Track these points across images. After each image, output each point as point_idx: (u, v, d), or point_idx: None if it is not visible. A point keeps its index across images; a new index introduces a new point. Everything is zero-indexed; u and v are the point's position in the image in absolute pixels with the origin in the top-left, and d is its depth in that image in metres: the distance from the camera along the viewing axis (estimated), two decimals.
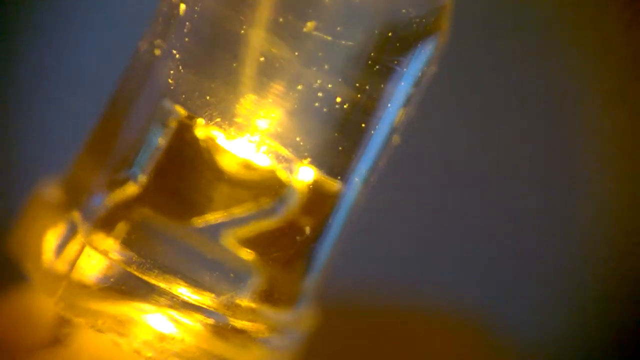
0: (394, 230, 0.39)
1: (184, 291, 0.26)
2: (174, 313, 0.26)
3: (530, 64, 0.39)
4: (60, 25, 0.34)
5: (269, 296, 0.28)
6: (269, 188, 0.27)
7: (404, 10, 0.26)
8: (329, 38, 0.26)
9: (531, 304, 0.39)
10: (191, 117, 0.26)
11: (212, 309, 0.26)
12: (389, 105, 0.28)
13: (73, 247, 0.26)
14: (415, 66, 0.27)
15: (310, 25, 0.26)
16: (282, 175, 0.27)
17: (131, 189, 0.26)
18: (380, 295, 0.38)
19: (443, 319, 0.39)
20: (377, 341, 0.38)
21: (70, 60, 0.33)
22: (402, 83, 0.28)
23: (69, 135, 0.28)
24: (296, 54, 0.26)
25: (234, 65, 0.26)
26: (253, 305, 0.27)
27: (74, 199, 0.27)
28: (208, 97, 0.26)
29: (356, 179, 0.28)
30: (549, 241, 0.39)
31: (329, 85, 0.26)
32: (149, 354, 0.25)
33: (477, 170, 0.39)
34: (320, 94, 0.26)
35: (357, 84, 0.26)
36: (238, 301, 0.27)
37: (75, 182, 0.28)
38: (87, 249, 0.26)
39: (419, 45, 0.27)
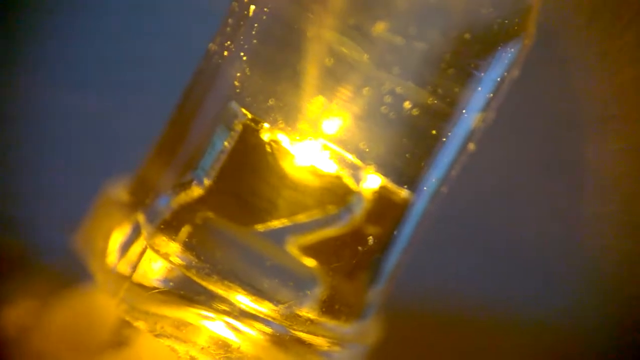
0: (461, 241, 0.37)
1: (243, 299, 0.25)
2: (232, 321, 0.25)
3: (532, 64, 0.37)
4: (134, 26, 0.34)
5: (330, 307, 0.27)
6: (335, 195, 0.26)
7: (484, 11, 0.25)
8: (401, 40, 0.25)
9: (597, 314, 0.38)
10: (257, 121, 0.26)
11: (271, 319, 0.26)
12: (465, 111, 0.26)
13: (136, 249, 0.26)
14: (496, 70, 0.26)
15: (380, 26, 0.25)
16: (349, 182, 0.26)
17: (195, 192, 0.26)
18: (447, 307, 0.37)
19: (509, 330, 0.37)
20: (444, 354, 0.37)
21: (142, 61, 0.34)
22: (480, 88, 0.26)
23: (140, 136, 0.28)
24: (366, 56, 0.25)
25: (302, 67, 0.25)
26: (314, 316, 0.26)
27: (140, 200, 0.27)
28: (274, 101, 0.26)
29: (426, 188, 0.27)
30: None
31: (399, 89, 0.25)
32: None
33: (544, 178, 0.37)
34: (389, 99, 0.25)
35: (430, 89, 0.25)
36: (298, 311, 0.26)
37: (142, 184, 0.28)
38: (149, 252, 0.25)
39: (500, 48, 0.26)
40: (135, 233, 0.26)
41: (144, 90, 0.34)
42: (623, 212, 0.37)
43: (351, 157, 0.26)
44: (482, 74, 0.26)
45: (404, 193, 0.27)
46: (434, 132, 0.26)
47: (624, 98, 0.36)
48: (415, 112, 0.25)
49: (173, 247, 0.25)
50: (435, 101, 0.25)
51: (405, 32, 0.25)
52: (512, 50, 0.26)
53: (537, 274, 0.38)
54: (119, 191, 0.29)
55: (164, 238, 0.26)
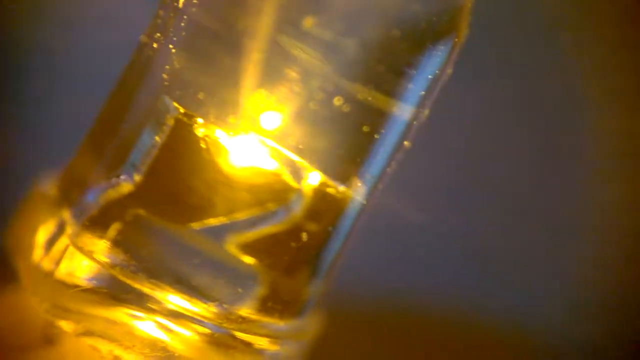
0: (401, 235, 0.37)
1: (174, 298, 0.25)
2: (164, 320, 0.25)
3: (533, 65, 0.37)
4: (61, 18, 0.33)
5: (269, 305, 0.26)
6: (272, 192, 0.26)
7: (414, 9, 0.25)
8: (332, 35, 0.24)
9: (536, 304, 0.38)
10: (190, 115, 0.25)
11: (205, 318, 0.25)
12: (397, 108, 0.26)
13: (59, 246, 0.25)
14: (427, 68, 0.26)
15: (312, 21, 0.24)
16: (287, 179, 0.26)
17: (125, 188, 0.25)
18: (388, 302, 0.37)
19: (451, 324, 0.37)
20: (384, 349, 0.36)
21: (72, 54, 0.33)
22: (412, 86, 0.26)
23: (71, 130, 0.28)
24: (299, 51, 0.25)
25: (233, 61, 0.25)
26: (252, 314, 0.26)
27: (68, 196, 0.27)
28: (205, 95, 0.25)
29: (363, 184, 0.27)
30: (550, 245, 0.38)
31: (333, 87, 0.25)
32: None
33: (483, 172, 0.38)
34: (324, 96, 0.25)
35: (363, 86, 0.25)
36: (235, 310, 0.26)
37: (71, 179, 0.27)
38: (71, 249, 0.25)
39: (430, 46, 0.25)
40: (60, 229, 0.25)
41: (77, 82, 0.33)
42: (606, 221, 0.37)
43: (289, 154, 0.25)
44: (414, 72, 0.26)
45: (341, 189, 0.26)
46: (366, 128, 0.26)
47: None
48: (347, 108, 0.25)
49: (100, 245, 0.25)
50: (367, 98, 0.25)
51: (336, 28, 0.24)
52: (443, 48, 0.26)
53: (481, 265, 0.38)
54: (49, 186, 0.28)
55: (89, 235, 0.25)
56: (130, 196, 0.25)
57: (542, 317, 0.38)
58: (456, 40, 0.26)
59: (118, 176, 0.25)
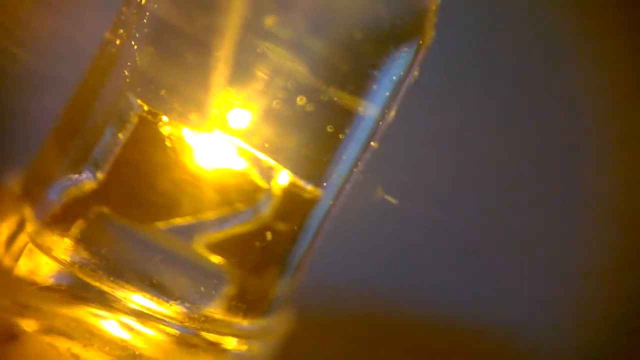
0: (372, 234, 0.37)
1: (138, 297, 0.25)
2: (128, 320, 0.24)
3: (536, 66, 0.37)
4: (32, 13, 0.33)
5: (236, 304, 0.26)
6: (240, 191, 0.26)
7: (377, 11, 0.25)
8: (297, 35, 0.24)
9: (517, 304, 0.38)
10: (154, 113, 0.25)
11: (170, 318, 0.25)
12: (364, 109, 0.26)
13: (20, 243, 0.25)
14: (392, 70, 0.26)
15: (275, 20, 0.24)
16: (254, 178, 0.26)
17: (87, 186, 0.25)
18: (357, 301, 0.37)
19: (420, 323, 0.37)
20: (354, 349, 0.36)
21: (38, 49, 0.32)
22: (377, 87, 0.26)
23: (35, 127, 0.27)
24: (264, 50, 0.25)
25: (197, 59, 0.25)
26: (219, 314, 0.26)
27: (30, 193, 0.26)
28: (169, 92, 0.25)
29: (331, 184, 0.27)
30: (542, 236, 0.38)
31: (299, 86, 0.25)
32: None
33: (460, 173, 0.38)
34: (290, 95, 0.25)
35: (329, 86, 0.25)
36: (201, 310, 0.25)
37: (33, 176, 0.27)
38: (30, 246, 0.24)
39: (394, 48, 0.26)
40: (20, 227, 0.25)
41: (41, 79, 0.33)
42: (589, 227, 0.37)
43: (256, 153, 0.25)
44: (378, 73, 0.26)
45: (309, 189, 0.26)
46: (331, 128, 0.26)
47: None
48: (312, 107, 0.25)
49: (61, 242, 0.25)
50: (333, 98, 0.25)
51: (301, 28, 0.24)
52: (408, 50, 0.26)
53: (453, 265, 0.38)
54: (12, 183, 0.28)
55: (51, 233, 0.25)
56: (92, 194, 0.25)
57: (539, 327, 0.38)
58: (421, 42, 0.26)
59: (80, 173, 0.25)
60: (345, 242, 0.34)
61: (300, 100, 0.25)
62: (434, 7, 0.26)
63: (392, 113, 0.28)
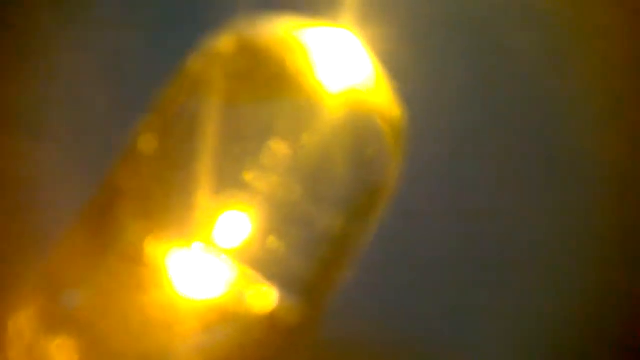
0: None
1: None
2: None
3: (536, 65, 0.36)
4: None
5: None
6: (222, 312, 0.25)
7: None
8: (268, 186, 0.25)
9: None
10: (137, 232, 0.25)
11: None
12: (342, 232, 0.26)
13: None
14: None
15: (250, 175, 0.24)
16: (238, 299, 0.25)
17: (66, 310, 0.25)
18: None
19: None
20: None
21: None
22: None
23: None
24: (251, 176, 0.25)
25: (179, 178, 0.25)
26: None
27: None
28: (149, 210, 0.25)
29: (310, 301, 0.27)
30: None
31: (288, 212, 0.25)
32: None
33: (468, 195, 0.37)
34: (273, 217, 0.25)
35: (310, 212, 0.25)
36: None
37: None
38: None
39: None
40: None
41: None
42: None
43: (245, 273, 0.25)
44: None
45: (295, 310, 0.26)
46: (313, 249, 0.26)
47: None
48: (294, 230, 0.25)
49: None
50: (312, 222, 0.25)
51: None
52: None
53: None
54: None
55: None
56: (68, 319, 0.25)
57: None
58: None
59: (57, 299, 0.25)
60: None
61: (287, 227, 0.25)
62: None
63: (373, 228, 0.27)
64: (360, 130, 0.25)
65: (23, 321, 0.25)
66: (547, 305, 0.35)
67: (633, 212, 0.35)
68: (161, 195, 0.25)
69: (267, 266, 0.25)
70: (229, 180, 0.25)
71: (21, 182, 0.30)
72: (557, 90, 0.35)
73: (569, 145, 0.36)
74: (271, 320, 0.25)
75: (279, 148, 0.25)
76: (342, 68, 0.26)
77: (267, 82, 0.25)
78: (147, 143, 0.25)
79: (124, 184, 0.25)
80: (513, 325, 0.35)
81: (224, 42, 0.25)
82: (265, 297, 0.25)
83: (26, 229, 0.30)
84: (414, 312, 0.35)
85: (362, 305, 0.33)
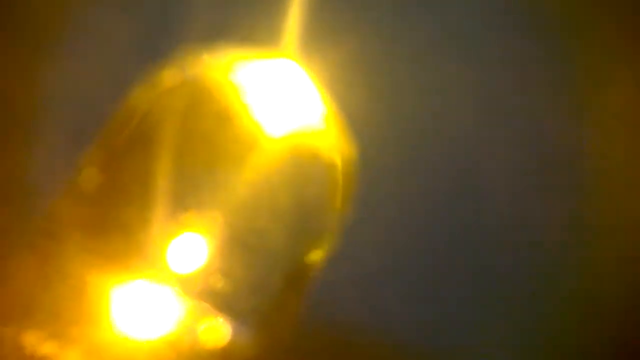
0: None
1: None
2: None
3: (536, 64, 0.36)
4: None
5: None
6: (176, 349, 0.25)
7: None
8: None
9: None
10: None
11: None
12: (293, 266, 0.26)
13: None
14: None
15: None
16: (191, 334, 0.25)
17: None
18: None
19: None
20: None
21: None
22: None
23: None
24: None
25: (131, 212, 0.24)
26: None
27: None
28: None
29: (263, 331, 0.26)
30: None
31: (232, 243, 0.25)
32: None
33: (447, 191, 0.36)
34: (225, 247, 0.25)
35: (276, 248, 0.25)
36: None
37: None
38: None
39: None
40: None
41: None
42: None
43: (200, 306, 0.25)
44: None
45: (246, 341, 0.26)
46: (264, 279, 0.25)
47: None
48: (245, 262, 0.25)
49: None
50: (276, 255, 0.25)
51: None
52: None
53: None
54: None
55: None
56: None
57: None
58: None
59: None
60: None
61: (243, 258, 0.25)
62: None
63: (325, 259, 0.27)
64: (301, 173, 0.25)
65: None
66: (547, 306, 0.35)
67: (633, 212, 0.36)
68: (104, 228, 0.25)
69: (219, 298, 0.25)
70: (175, 213, 0.25)
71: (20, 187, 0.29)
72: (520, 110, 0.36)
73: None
74: (225, 355, 0.25)
75: (222, 184, 0.24)
76: (286, 106, 0.26)
77: (209, 120, 0.25)
78: (89, 177, 0.25)
79: (67, 217, 0.25)
80: (513, 325, 0.35)
81: (168, 77, 0.25)
82: (219, 331, 0.25)
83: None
84: (412, 319, 0.34)
85: (357, 310, 0.33)
